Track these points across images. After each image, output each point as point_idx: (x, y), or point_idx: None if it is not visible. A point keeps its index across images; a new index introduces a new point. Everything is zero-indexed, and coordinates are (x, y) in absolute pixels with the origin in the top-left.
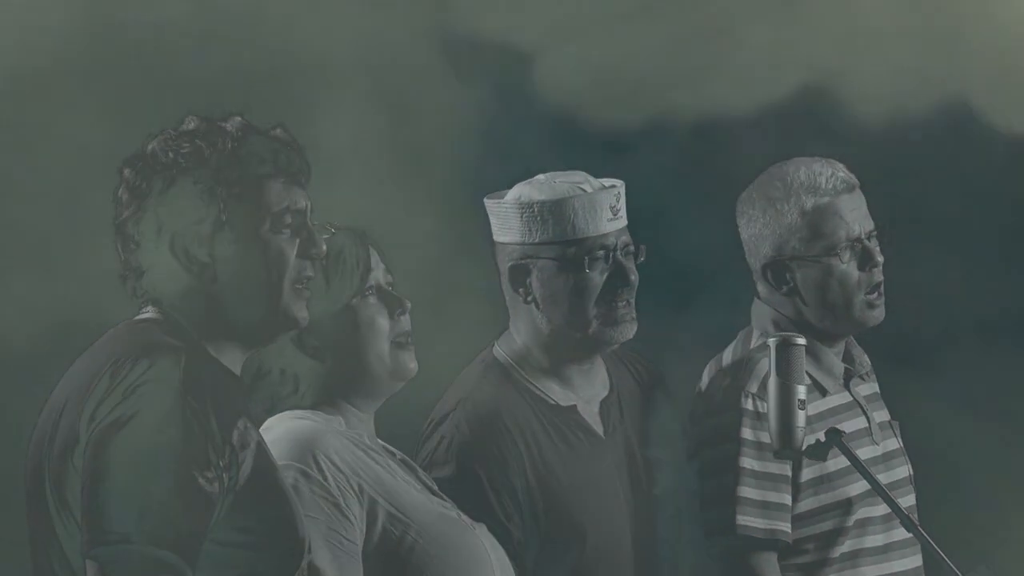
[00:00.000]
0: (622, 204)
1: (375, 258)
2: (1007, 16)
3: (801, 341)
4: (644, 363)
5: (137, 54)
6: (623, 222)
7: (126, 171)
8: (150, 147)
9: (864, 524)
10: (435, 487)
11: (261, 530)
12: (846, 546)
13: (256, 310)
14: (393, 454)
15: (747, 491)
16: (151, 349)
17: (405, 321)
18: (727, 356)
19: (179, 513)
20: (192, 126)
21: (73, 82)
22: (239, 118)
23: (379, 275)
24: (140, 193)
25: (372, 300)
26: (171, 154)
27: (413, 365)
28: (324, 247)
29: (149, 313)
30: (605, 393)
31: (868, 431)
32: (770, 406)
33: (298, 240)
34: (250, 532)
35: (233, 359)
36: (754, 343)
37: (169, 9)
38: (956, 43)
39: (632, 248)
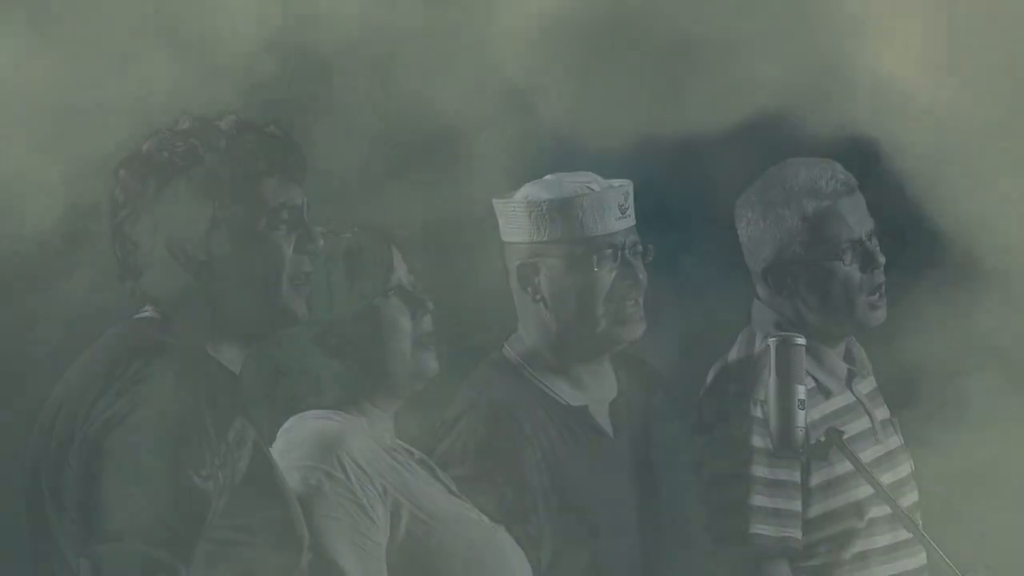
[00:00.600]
0: (630, 203)
1: (397, 258)
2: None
3: (801, 341)
4: (647, 366)
5: None
6: (631, 221)
7: (121, 172)
8: (145, 147)
9: (873, 525)
10: (454, 487)
11: (258, 529)
12: (856, 547)
13: (254, 307)
14: (412, 454)
15: (759, 500)
16: (147, 348)
17: (427, 321)
18: (731, 360)
19: (173, 512)
20: (186, 125)
21: None
22: (233, 116)
23: (401, 275)
24: (136, 194)
25: (394, 300)
26: (165, 154)
27: (434, 365)
28: (321, 242)
29: (148, 313)
30: (614, 395)
31: (872, 431)
32: (770, 406)
33: (295, 236)
34: (247, 531)
35: (232, 357)
36: (758, 346)
37: None
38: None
39: (640, 247)
